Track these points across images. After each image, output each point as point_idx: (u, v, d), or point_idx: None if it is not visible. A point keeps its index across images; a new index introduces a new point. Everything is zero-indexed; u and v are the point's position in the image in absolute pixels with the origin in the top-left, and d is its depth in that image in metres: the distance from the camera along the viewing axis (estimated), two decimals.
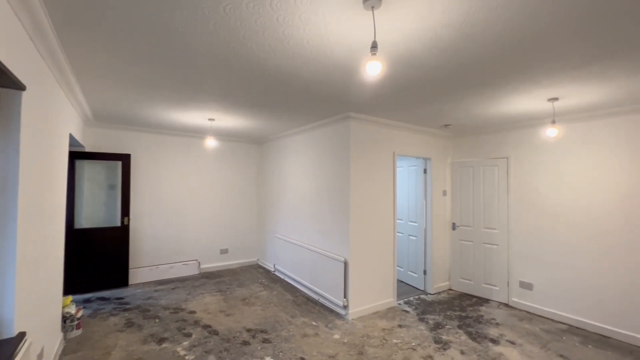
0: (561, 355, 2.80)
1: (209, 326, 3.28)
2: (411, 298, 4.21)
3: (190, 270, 5.15)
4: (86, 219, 4.37)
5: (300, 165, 4.58)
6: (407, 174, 4.82)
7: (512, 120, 3.72)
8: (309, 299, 4.11)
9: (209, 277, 5.00)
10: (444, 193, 4.62)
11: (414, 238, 4.67)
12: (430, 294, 4.39)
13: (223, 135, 5.32)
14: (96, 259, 4.31)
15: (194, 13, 1.55)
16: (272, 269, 5.32)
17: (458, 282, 4.53)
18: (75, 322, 3.01)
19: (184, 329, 3.22)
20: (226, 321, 3.41)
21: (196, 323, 3.35)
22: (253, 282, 4.78)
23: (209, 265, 5.39)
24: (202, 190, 5.35)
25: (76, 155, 4.18)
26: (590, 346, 2.97)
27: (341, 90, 2.73)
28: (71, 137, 3.27)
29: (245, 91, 2.81)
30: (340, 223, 3.71)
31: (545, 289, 3.67)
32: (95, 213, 4.45)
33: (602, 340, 3.09)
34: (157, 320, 3.40)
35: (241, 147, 5.80)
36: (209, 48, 1.93)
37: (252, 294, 4.26)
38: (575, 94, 2.68)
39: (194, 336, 3.06)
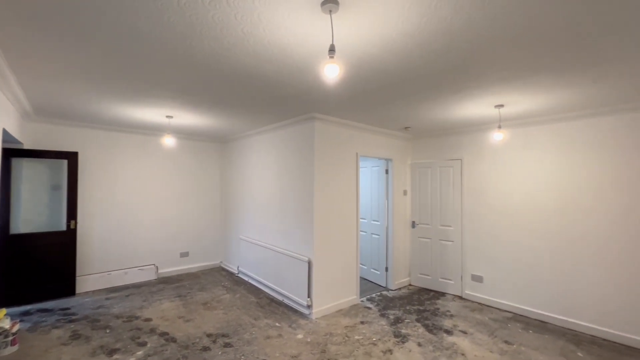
0: (506, 341, 3.05)
1: (166, 333, 3.13)
2: (374, 295, 4.34)
3: (147, 276, 4.87)
4: (25, 224, 3.95)
5: (265, 165, 4.53)
6: (370, 175, 4.96)
7: (465, 124, 3.98)
8: (273, 300, 4.07)
9: (167, 282, 4.77)
10: (405, 192, 4.82)
11: (377, 236, 4.81)
12: (391, 290, 4.55)
13: (183, 133, 5.10)
14: (37, 267, 3.92)
15: (146, 2, 1.47)
16: (236, 271, 5.20)
17: (417, 277, 4.74)
18: (10, 338, 2.72)
19: (139, 337, 3.04)
20: (185, 327, 3.27)
21: (152, 331, 3.18)
22: (215, 286, 4.63)
23: (168, 269, 5.14)
24: (161, 191, 5.08)
25: (12, 153, 3.77)
26: (530, 331, 3.27)
27: (304, 91, 2.75)
28: (5, 133, 2.95)
29: (206, 88, 2.72)
30: (304, 223, 3.73)
31: (493, 281, 3.97)
32: (37, 217, 4.04)
33: (541, 326, 3.41)
34: (107, 331, 3.17)
35: (203, 146, 5.60)
36: (164, 41, 1.85)
37: (214, 298, 4.13)
38: (517, 102, 2.94)
39: (149, 345, 2.90)
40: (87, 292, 4.29)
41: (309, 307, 3.58)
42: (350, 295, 3.98)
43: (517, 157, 3.78)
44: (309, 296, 3.59)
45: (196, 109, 3.46)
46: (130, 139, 4.77)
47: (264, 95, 2.87)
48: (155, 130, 4.78)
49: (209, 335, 3.10)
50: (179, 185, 5.28)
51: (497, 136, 3.23)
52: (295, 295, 3.76)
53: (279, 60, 2.08)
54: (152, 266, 4.93)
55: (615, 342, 3.04)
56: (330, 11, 1.43)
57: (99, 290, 4.39)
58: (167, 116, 3.79)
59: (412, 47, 1.86)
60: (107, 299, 4.06)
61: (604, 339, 3.10)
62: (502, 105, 3.08)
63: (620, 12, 1.48)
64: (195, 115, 3.73)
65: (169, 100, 3.09)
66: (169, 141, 4.01)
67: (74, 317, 3.48)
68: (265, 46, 1.88)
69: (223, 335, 3.10)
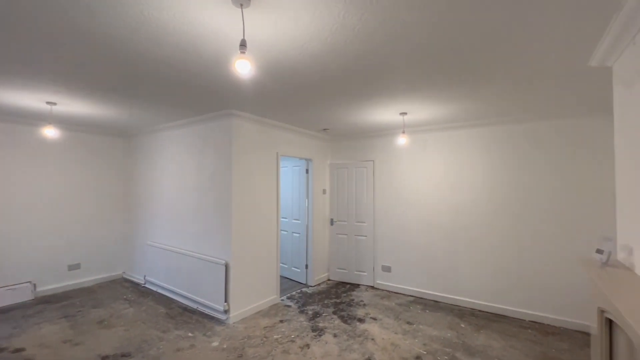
0: (408, 322, 3.44)
1: None
2: (294, 292, 4.40)
3: (20, 296, 3.97)
4: None
5: (179, 162, 4.16)
6: (291, 174, 5.02)
7: (377, 129, 4.35)
8: (186, 309, 3.77)
9: (50, 302, 3.97)
10: (324, 191, 5.02)
11: (298, 235, 4.89)
12: (311, 286, 4.69)
13: (73, 124, 4.32)
14: None
15: None
16: (143, 282, 4.65)
17: (335, 272, 4.99)
18: None
19: None
20: (72, 353, 2.78)
21: None
22: (115, 300, 4.06)
23: (50, 286, 4.28)
24: (41, 192, 4.20)
25: None
26: (427, 311, 3.77)
27: (218, 86, 2.62)
28: None
29: (98, 71, 2.35)
30: (221, 225, 3.55)
31: (400, 270, 4.45)
32: None
33: (435, 305, 3.96)
34: None
35: (101, 140, 4.84)
36: (40, 12, 1.53)
37: (112, 314, 3.61)
38: (418, 110, 3.35)
39: None
40: None
41: (226, 312, 3.42)
42: (271, 295, 3.96)
43: (419, 159, 4.31)
44: (226, 301, 3.44)
45: (90, 96, 2.96)
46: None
47: (174, 86, 2.63)
48: (32, 118, 3.93)
49: (104, 358, 2.70)
50: (67, 185, 4.45)
51: (401, 140, 3.62)
52: (211, 302, 3.56)
53: (189, 52, 1.93)
54: (28, 284, 4.04)
55: (487, 312, 3.73)
56: (242, 5, 1.39)
57: None
58: (48, 102, 3.16)
59: (325, 51, 1.94)
60: None
61: (480, 310, 3.77)
62: (405, 113, 3.46)
63: (489, 40, 1.82)
64: (89, 103, 3.20)
65: (49, 83, 2.57)
66: (50, 132, 3.34)
67: None
68: (172, 34, 1.72)
69: (123, 355, 2.74)
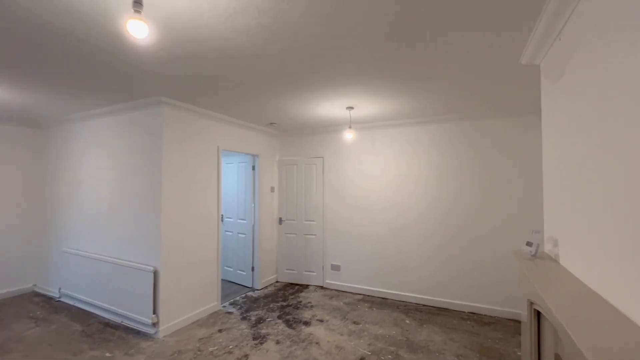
0: (354, 322, 3.36)
1: None
2: (238, 297, 4.10)
3: None
4: None
5: (100, 156, 3.62)
6: (236, 170, 4.70)
7: (325, 124, 4.23)
8: (108, 324, 3.29)
9: None
10: (272, 189, 4.78)
11: (243, 236, 4.59)
12: (257, 289, 4.43)
13: None
14: None
15: None
16: (57, 295, 4.00)
17: (284, 273, 4.79)
18: None
19: None
20: None
21: None
22: (18, 320, 3.41)
23: None
24: None
25: None
26: (374, 309, 3.73)
27: (124, 63, 2.26)
28: None
29: None
30: (150, 226, 3.14)
31: (348, 268, 4.38)
32: None
33: (382, 302, 3.95)
34: None
35: (3, 130, 4.07)
36: None
37: (11, 337, 3.01)
38: (363, 105, 3.28)
39: None
40: None
41: (155, 325, 3.04)
42: (210, 302, 3.63)
43: (367, 156, 4.28)
44: (154, 312, 3.05)
45: None
46: None
47: (74, 63, 2.21)
48: None
49: None
50: None
51: (348, 135, 3.54)
52: (137, 314, 3.13)
53: (90, 20, 1.58)
54: None
55: (431, 306, 3.80)
56: None
57: None
58: None
59: (256, 29, 1.73)
60: None
61: (424, 305, 3.84)
62: (352, 108, 3.38)
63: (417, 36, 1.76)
64: None
65: None
66: None
67: None
68: None
69: None
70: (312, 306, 3.81)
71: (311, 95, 2.93)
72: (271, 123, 4.18)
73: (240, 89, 2.76)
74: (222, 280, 4.75)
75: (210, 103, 3.24)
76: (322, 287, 4.53)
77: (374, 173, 4.22)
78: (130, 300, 3.20)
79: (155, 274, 3.07)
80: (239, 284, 4.62)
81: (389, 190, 4.12)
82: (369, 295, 4.18)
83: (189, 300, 3.35)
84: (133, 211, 3.28)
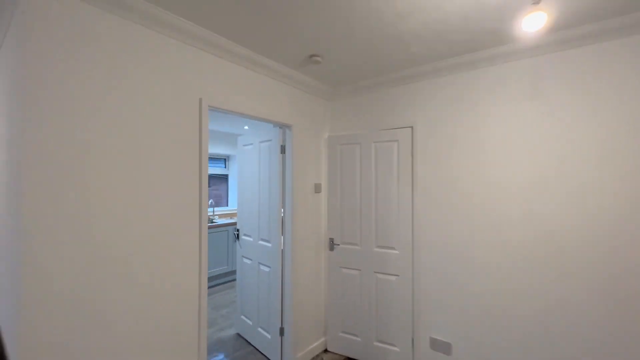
0: None
1: None
2: None
3: None
4: None
5: None
6: (258, 157, 2.75)
7: (420, 55, 2.01)
8: None
9: None
10: (317, 188, 2.73)
11: (267, 269, 2.63)
12: None
13: None
14: None
15: None
16: None
17: (338, 337, 2.69)
18: None
19: None
20: None
21: None
22: None
23: None
24: None
25: None
26: None
27: None
28: None
29: None
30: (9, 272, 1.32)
31: (469, 353, 2.10)
32: None
33: None
34: None
35: None
36: None
37: None
38: None
39: None
40: None
41: None
42: None
43: (518, 120, 1.95)
44: None
45: None
46: None
47: None
48: None
49: None
50: None
51: (538, 20, 1.28)
52: None
53: None
54: None
55: None
56: None
57: None
58: None
59: None
60: None
61: None
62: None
63: None
64: None
65: None
66: None
67: None
68: None
69: None
70: None
71: None
72: (312, 56, 2.11)
73: None
74: (236, 336, 2.87)
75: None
76: None
77: (539, 158, 1.88)
78: None
79: None
80: (260, 352, 2.67)
81: (577, 195, 1.75)
82: None
83: None
84: None
